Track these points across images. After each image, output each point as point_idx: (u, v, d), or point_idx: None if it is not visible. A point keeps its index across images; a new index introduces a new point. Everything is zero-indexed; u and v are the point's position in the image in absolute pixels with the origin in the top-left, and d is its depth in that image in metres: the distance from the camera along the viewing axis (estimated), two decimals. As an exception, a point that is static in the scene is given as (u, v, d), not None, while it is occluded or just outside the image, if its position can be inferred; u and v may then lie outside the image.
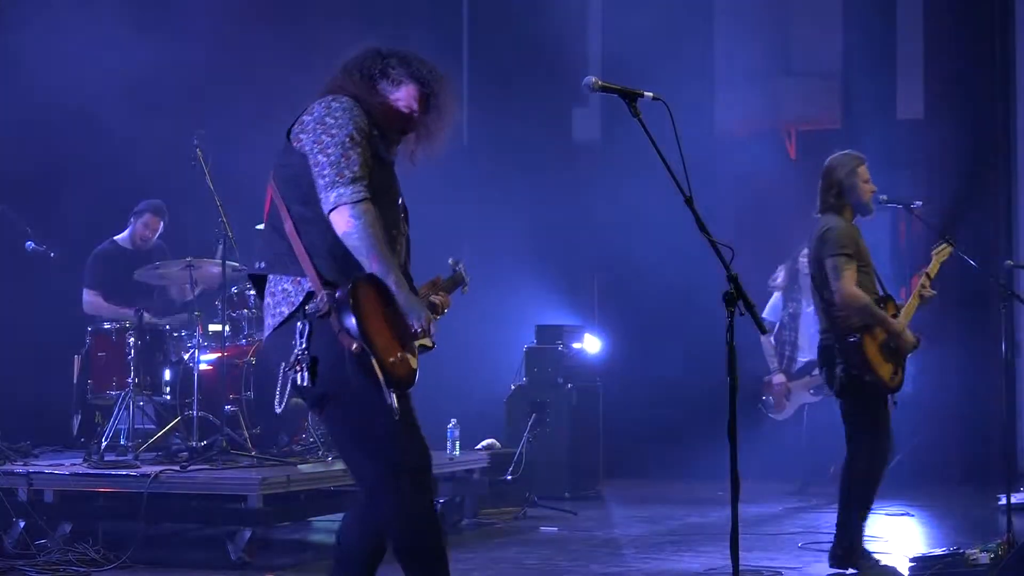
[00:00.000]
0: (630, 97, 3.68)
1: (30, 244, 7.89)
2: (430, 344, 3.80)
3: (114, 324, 7.65)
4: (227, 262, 7.49)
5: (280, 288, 3.68)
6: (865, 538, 6.07)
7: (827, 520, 7.49)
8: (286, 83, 9.62)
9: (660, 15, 11.14)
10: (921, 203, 6.36)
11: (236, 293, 7.78)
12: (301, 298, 3.61)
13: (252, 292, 7.78)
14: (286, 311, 3.64)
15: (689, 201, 3.57)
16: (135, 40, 8.88)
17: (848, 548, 5.94)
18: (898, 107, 11.39)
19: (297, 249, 3.63)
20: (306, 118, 3.71)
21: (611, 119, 11.62)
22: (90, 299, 8.16)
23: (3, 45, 8.74)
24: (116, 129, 9.14)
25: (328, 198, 3.58)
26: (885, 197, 6.14)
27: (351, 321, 3.47)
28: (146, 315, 7.73)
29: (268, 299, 3.73)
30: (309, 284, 3.60)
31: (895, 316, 6.03)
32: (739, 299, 3.45)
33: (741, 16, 11.96)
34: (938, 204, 10.29)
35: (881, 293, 6.10)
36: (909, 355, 6.11)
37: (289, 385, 3.62)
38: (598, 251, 11.85)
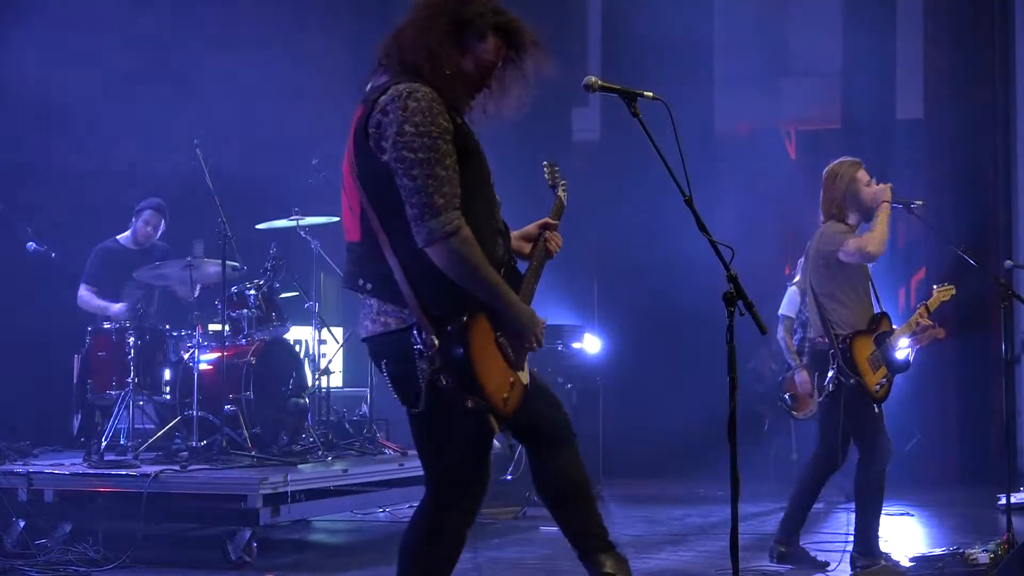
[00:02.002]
0: (630, 97, 3.65)
1: (31, 244, 7.88)
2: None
3: (114, 324, 7.64)
4: (227, 261, 7.49)
5: (390, 304, 3.47)
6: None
7: (827, 520, 7.50)
8: (287, 82, 9.69)
9: (660, 15, 11.13)
10: (921, 202, 6.38)
11: (236, 293, 7.77)
12: (412, 320, 3.41)
13: (252, 292, 7.79)
14: (393, 324, 3.45)
15: (689, 201, 3.57)
16: (136, 39, 8.90)
17: (867, 551, 6.02)
18: (898, 107, 11.39)
19: (398, 274, 3.40)
20: (382, 119, 3.38)
21: (611, 119, 11.62)
22: (83, 294, 8.15)
23: (2, 41, 8.75)
24: (117, 129, 9.16)
25: (420, 234, 3.35)
26: (886, 196, 6.16)
27: (462, 366, 3.34)
28: (114, 307, 7.78)
29: (373, 302, 3.50)
30: (414, 317, 3.40)
31: (888, 332, 6.10)
32: (739, 299, 3.44)
33: (741, 16, 11.96)
34: (938, 204, 10.30)
35: (877, 310, 6.15)
36: (900, 372, 6.22)
37: (424, 383, 3.39)
38: (598, 251, 11.85)
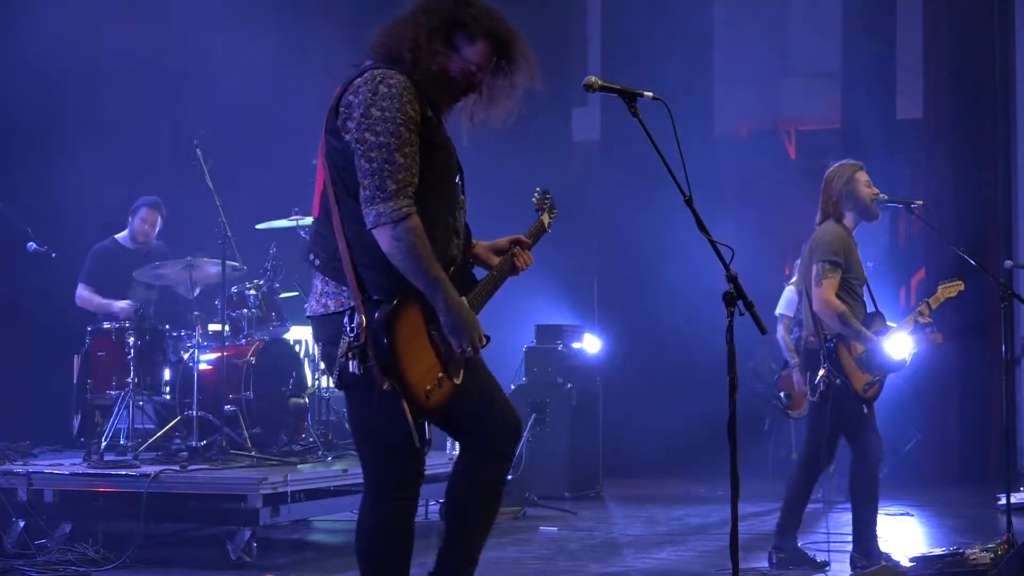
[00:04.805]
0: (630, 97, 3.65)
1: (31, 244, 7.87)
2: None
3: (114, 324, 7.64)
4: (227, 261, 7.49)
5: (334, 283, 3.55)
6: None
7: (826, 520, 7.49)
8: (287, 81, 9.69)
9: (660, 15, 11.13)
10: (921, 202, 6.37)
11: (236, 293, 7.77)
12: (349, 304, 3.48)
13: (252, 292, 7.79)
14: (332, 307, 3.53)
15: (689, 201, 3.56)
16: (136, 36, 8.90)
17: (866, 551, 6.03)
18: (898, 107, 11.39)
19: (344, 256, 3.47)
20: (352, 99, 3.44)
21: (611, 119, 11.62)
22: (82, 293, 8.13)
23: (3, 38, 8.76)
24: (116, 127, 9.17)
25: (369, 215, 3.40)
26: (885, 196, 6.16)
27: (383, 349, 3.36)
28: (117, 304, 7.79)
29: (318, 283, 3.60)
30: (352, 301, 3.46)
31: (882, 332, 6.09)
32: (739, 299, 3.44)
33: (741, 16, 11.96)
34: (938, 204, 10.30)
35: (872, 309, 6.14)
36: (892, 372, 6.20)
37: (336, 368, 3.48)
38: (598, 251, 11.85)
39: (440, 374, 3.52)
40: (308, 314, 3.66)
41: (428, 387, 3.47)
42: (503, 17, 3.64)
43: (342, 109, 3.47)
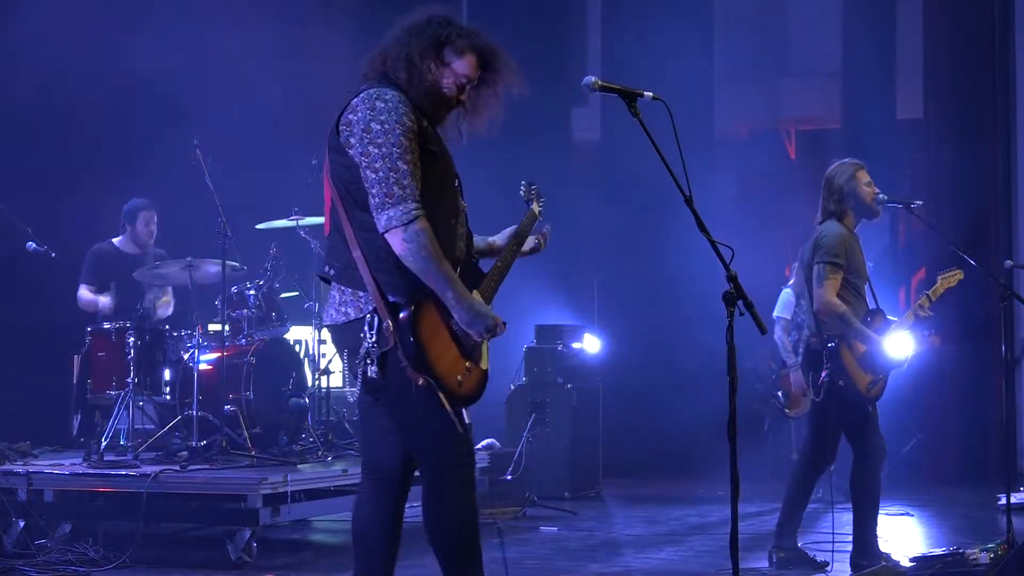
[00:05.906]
0: (630, 97, 3.67)
1: (31, 244, 7.87)
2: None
3: (114, 324, 7.63)
4: (227, 261, 7.49)
5: (350, 291, 3.71)
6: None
7: (825, 520, 7.50)
8: (286, 81, 9.69)
9: (660, 15, 11.13)
10: (921, 203, 6.37)
11: (236, 293, 7.77)
12: (368, 309, 3.64)
13: (251, 292, 7.79)
14: (352, 314, 3.68)
15: (689, 201, 3.57)
16: (136, 37, 8.90)
17: (867, 551, 6.04)
18: (898, 107, 11.38)
19: (360, 263, 3.64)
20: (352, 118, 3.65)
21: (611, 119, 11.62)
22: (83, 295, 8.11)
23: (3, 39, 8.76)
24: (115, 127, 9.16)
25: (380, 221, 3.58)
26: (885, 197, 6.16)
27: (412, 347, 3.55)
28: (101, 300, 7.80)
29: (336, 293, 3.76)
30: (370, 305, 3.63)
31: (883, 328, 6.08)
32: (739, 299, 3.45)
33: (741, 16, 11.96)
34: (938, 204, 10.29)
35: (872, 306, 6.13)
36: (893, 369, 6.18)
37: (359, 374, 3.66)
38: (598, 251, 11.84)
39: (467, 364, 3.71)
40: (327, 323, 3.80)
41: (459, 376, 3.68)
42: (483, 33, 3.88)
43: (343, 128, 3.66)
